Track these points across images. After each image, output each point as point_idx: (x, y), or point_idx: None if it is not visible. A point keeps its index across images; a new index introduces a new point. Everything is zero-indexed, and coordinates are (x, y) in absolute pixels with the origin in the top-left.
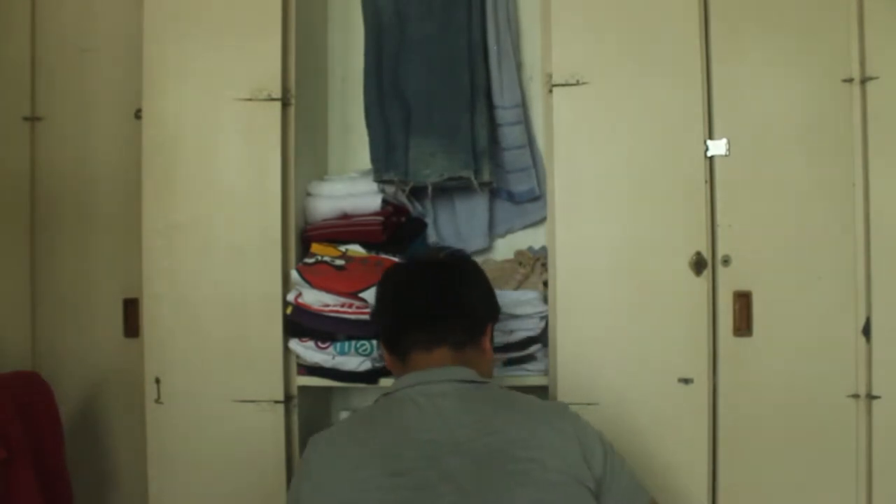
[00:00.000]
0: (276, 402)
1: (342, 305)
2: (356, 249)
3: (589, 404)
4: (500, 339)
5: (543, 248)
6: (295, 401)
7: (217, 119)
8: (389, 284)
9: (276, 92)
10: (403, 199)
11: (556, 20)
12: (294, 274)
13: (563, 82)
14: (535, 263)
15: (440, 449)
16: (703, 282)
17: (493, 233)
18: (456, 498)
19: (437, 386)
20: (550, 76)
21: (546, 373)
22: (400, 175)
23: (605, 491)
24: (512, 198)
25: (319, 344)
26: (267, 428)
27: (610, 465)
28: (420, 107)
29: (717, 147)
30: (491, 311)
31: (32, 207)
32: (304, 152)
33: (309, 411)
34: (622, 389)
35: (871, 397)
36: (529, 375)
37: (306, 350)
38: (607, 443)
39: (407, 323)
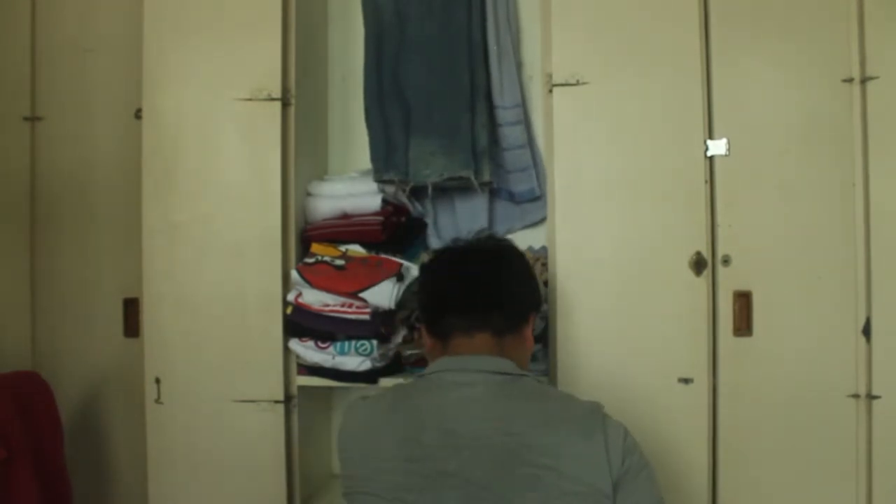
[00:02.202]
0: (276, 402)
1: (342, 305)
2: (356, 249)
3: None
4: None
5: (543, 248)
6: (295, 401)
7: (217, 119)
8: (433, 266)
9: (276, 92)
10: (403, 198)
11: (556, 20)
12: (294, 274)
13: (563, 82)
14: (536, 263)
15: (458, 440)
16: (703, 282)
17: (492, 233)
18: (465, 492)
19: (469, 375)
20: (550, 76)
21: (546, 373)
22: (400, 175)
23: (618, 494)
24: (512, 198)
25: (319, 344)
26: (267, 428)
27: (627, 469)
28: (420, 107)
29: (717, 147)
30: (534, 301)
31: (32, 207)
32: (304, 152)
33: (309, 411)
34: (622, 389)
35: (871, 397)
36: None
37: (306, 350)
38: (631, 447)
39: (446, 305)
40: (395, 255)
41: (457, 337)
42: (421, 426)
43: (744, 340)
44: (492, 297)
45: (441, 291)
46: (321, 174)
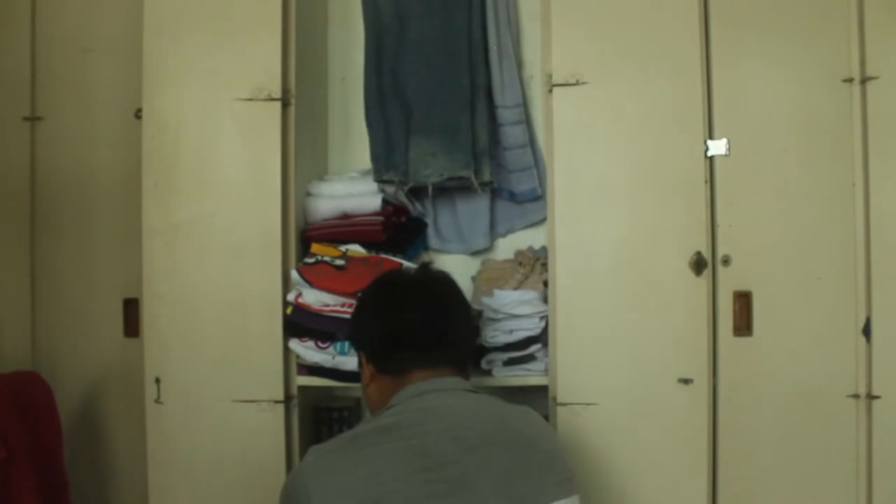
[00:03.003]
0: (276, 402)
1: (342, 305)
2: (356, 249)
3: (589, 404)
4: (500, 338)
5: (543, 248)
6: (295, 401)
7: (217, 119)
8: (378, 298)
9: (276, 92)
10: (404, 198)
11: (556, 20)
12: (294, 274)
13: (563, 82)
14: (536, 263)
15: (472, 442)
16: (703, 282)
17: (494, 233)
18: (495, 483)
19: (446, 394)
20: (550, 76)
21: (546, 373)
22: (400, 175)
23: None
24: (514, 197)
25: (319, 344)
26: (267, 428)
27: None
28: (420, 106)
29: (717, 147)
30: (474, 334)
31: (32, 207)
32: (304, 152)
33: (309, 411)
34: (622, 389)
35: (871, 397)
36: (530, 375)
37: (306, 350)
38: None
39: (403, 341)
40: (395, 255)
41: (415, 371)
42: (424, 441)
43: (744, 340)
44: (445, 332)
45: (393, 326)
46: (321, 174)
